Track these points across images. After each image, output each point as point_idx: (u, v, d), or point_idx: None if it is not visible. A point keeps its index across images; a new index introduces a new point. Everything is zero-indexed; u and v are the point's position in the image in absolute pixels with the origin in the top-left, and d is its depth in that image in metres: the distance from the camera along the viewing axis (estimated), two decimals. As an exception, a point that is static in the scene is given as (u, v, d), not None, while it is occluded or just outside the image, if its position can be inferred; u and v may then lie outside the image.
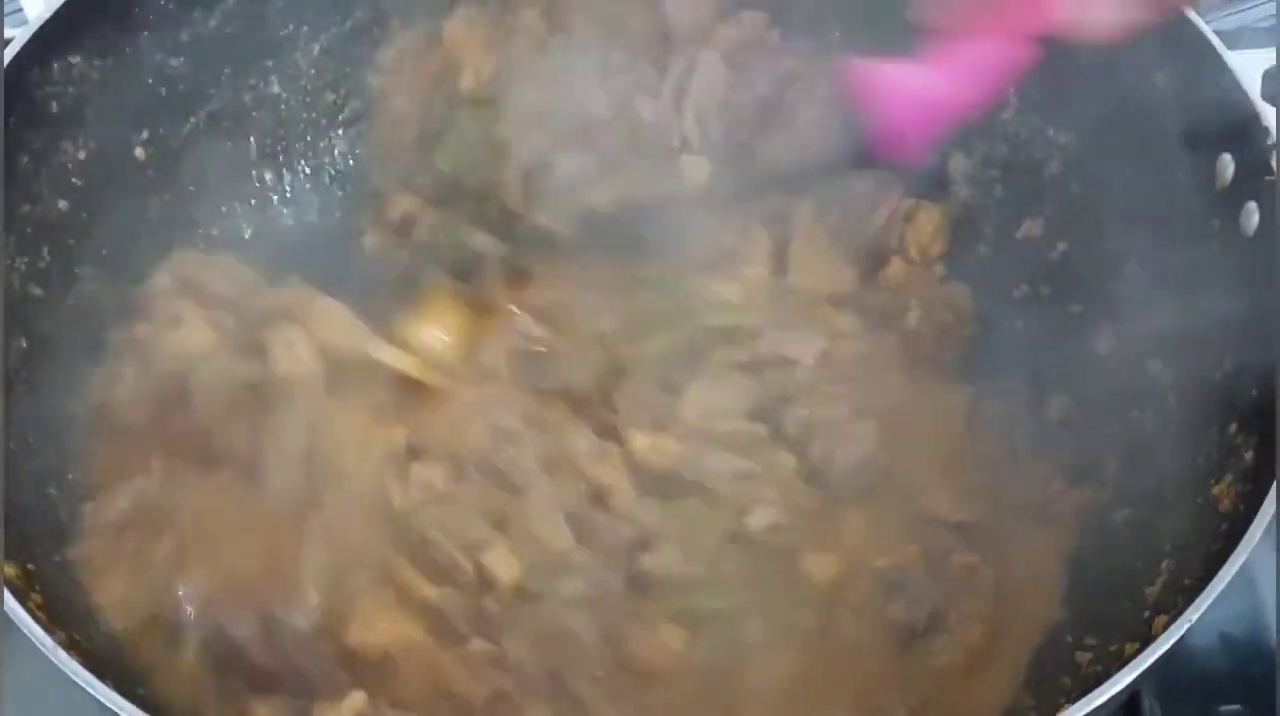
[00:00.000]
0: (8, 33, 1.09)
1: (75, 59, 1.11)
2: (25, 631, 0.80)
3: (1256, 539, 0.83)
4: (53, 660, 0.78)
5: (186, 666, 0.98)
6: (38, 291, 1.08)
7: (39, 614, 0.82)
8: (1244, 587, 1.13)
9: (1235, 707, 1.08)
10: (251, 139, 1.29)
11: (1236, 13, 1.59)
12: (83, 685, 0.77)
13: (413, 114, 1.32)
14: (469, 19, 1.33)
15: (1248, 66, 1.02)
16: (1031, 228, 1.23)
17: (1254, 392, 0.97)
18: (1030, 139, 1.22)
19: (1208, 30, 1.04)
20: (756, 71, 1.31)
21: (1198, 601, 0.80)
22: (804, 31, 1.31)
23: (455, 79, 1.31)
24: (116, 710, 0.76)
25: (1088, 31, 0.94)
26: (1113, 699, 0.77)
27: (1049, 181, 1.22)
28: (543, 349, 1.20)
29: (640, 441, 1.13)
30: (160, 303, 1.17)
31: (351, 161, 1.35)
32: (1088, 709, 0.76)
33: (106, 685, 0.77)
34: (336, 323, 1.15)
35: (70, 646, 0.81)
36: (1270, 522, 0.85)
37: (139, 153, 1.19)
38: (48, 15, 1.08)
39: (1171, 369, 1.09)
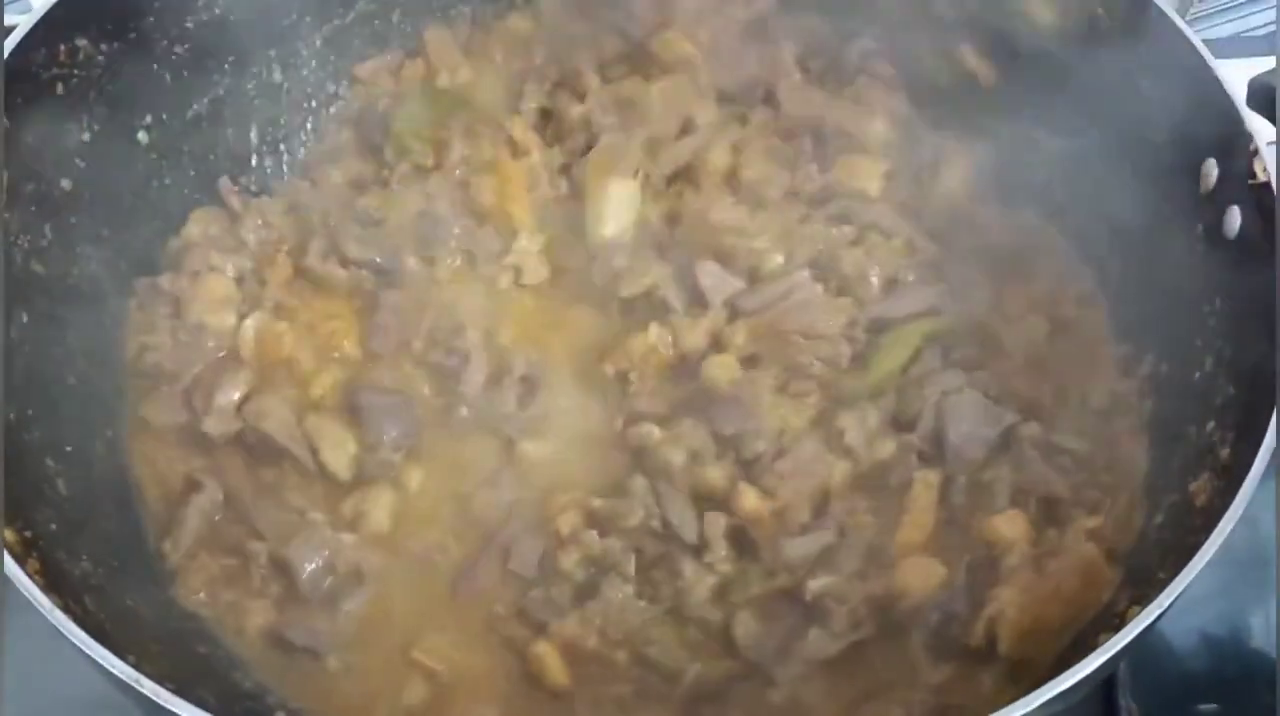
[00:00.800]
0: (14, 19, 1.10)
1: (82, 42, 1.12)
2: (25, 594, 0.81)
3: (1228, 531, 0.84)
4: (50, 621, 0.80)
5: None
6: (39, 268, 1.09)
7: (37, 578, 0.83)
8: (1224, 590, 1.14)
9: (1213, 706, 1.10)
10: (253, 126, 1.30)
11: (1230, 21, 1.61)
12: (81, 646, 0.79)
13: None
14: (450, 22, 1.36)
15: (1233, 74, 1.04)
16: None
17: (1231, 390, 0.99)
18: (1018, 143, 1.24)
19: (1194, 38, 1.06)
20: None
21: (1170, 588, 0.81)
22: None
23: (433, 78, 1.34)
24: (109, 667, 0.78)
25: None
26: (1086, 679, 0.78)
27: (1034, 184, 1.23)
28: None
29: (750, 500, 1.07)
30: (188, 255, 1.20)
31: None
32: (1059, 689, 0.77)
33: (105, 647, 0.79)
34: None
35: (67, 611, 0.82)
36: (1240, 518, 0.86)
37: (142, 136, 1.20)
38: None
39: (1153, 369, 1.11)
